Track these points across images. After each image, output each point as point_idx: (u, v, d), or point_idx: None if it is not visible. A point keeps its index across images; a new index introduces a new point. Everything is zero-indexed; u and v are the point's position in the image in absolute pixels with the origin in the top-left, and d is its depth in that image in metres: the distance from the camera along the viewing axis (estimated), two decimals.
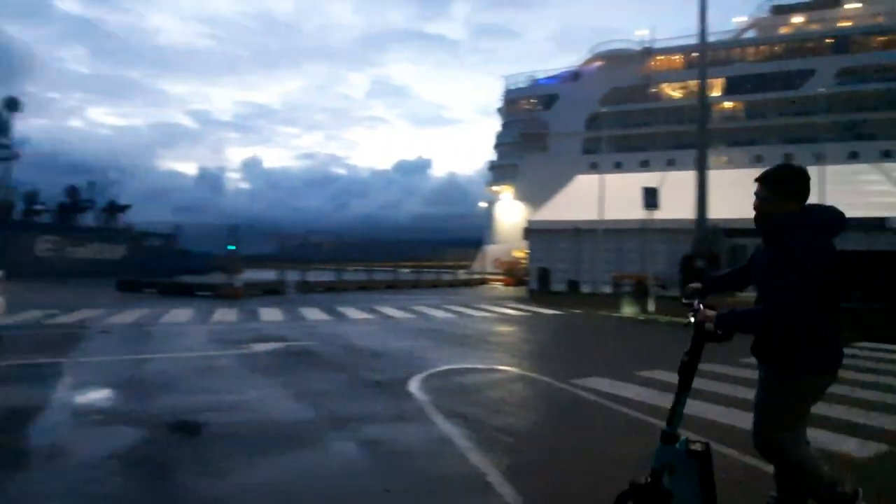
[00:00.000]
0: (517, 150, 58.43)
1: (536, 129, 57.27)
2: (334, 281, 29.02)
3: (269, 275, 27.02)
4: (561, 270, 24.54)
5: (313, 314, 15.23)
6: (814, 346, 2.62)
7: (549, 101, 58.51)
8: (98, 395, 6.03)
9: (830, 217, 2.69)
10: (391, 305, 18.43)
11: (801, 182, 2.69)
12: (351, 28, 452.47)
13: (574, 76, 58.13)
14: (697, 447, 2.58)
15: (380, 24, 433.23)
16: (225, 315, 14.61)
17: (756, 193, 2.78)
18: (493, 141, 63.66)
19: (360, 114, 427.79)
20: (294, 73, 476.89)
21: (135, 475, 3.82)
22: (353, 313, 15.72)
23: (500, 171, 60.90)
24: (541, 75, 61.88)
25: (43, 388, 6.14)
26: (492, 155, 64.02)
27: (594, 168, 38.71)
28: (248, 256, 28.38)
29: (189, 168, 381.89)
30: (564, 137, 54.09)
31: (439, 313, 16.30)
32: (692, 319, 2.66)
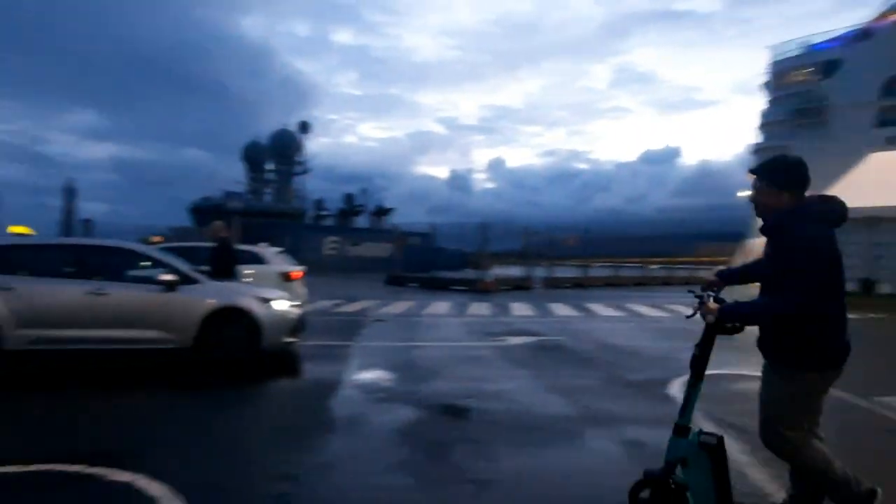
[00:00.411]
0: (788, 128, 51.20)
1: (813, 103, 49.47)
2: (580, 277, 28.85)
3: (515, 271, 27.97)
4: (849, 267, 20.71)
5: (561, 310, 15.33)
6: (811, 342, 2.54)
7: (828, 68, 50.05)
8: (379, 375, 6.86)
9: (830, 208, 2.59)
10: (641, 303, 17.67)
11: (795, 173, 2.62)
12: (590, 19, 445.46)
13: (863, 35, 48.75)
14: (710, 440, 2.55)
15: (621, 10, 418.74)
16: (479, 308, 15.50)
17: (752, 185, 2.71)
18: (755, 121, 56.80)
19: (602, 105, 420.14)
20: (534, 73, 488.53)
21: (415, 449, 4.26)
22: (602, 310, 15.43)
23: (766, 154, 53.95)
24: (817, 39, 53.40)
25: (337, 366, 7.21)
26: (755, 137, 57.20)
27: (892, 143, 32.13)
28: (495, 253, 29.73)
29: (440, 172, 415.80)
30: (851, 109, 45.76)
31: None
32: (700, 313, 2.65)
